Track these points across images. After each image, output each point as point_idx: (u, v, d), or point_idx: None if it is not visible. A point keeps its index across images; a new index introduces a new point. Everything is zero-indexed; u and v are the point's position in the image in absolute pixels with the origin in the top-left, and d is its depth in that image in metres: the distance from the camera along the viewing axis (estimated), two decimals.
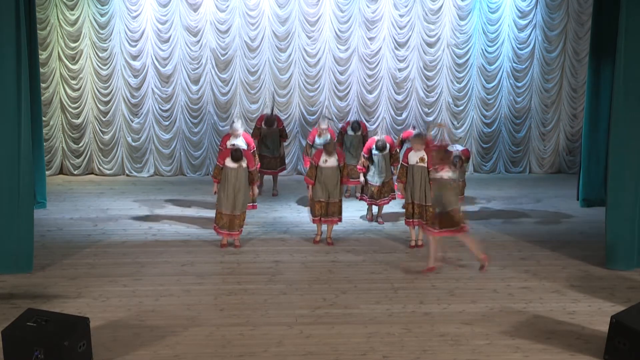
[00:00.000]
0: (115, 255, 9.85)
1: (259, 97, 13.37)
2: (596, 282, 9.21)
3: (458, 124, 13.75)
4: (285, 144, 12.69)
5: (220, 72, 13.31)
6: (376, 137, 11.09)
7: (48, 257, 9.70)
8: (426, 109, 13.68)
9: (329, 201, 10.23)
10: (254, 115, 13.19)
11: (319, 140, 11.48)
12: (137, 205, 11.93)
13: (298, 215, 11.51)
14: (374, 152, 10.84)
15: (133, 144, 13.44)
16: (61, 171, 13.53)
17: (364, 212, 11.45)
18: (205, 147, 13.46)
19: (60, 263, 9.56)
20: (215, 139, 13.29)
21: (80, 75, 13.17)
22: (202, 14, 13.04)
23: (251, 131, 12.24)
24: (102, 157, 13.50)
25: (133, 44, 13.07)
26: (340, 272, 9.45)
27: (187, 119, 13.42)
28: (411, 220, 10.18)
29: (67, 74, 13.15)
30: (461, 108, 13.71)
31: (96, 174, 13.55)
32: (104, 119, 13.35)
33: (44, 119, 12.43)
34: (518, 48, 13.50)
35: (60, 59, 13.10)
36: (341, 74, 13.48)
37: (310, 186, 10.29)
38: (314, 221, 10.36)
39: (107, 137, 13.41)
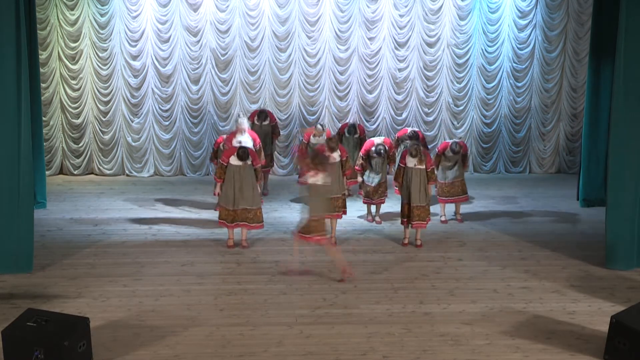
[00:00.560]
0: (115, 255, 9.84)
1: (259, 97, 13.38)
2: (596, 282, 9.21)
3: (458, 124, 13.75)
4: (277, 141, 12.62)
5: (220, 72, 13.31)
6: (375, 140, 11.10)
7: (48, 257, 9.70)
8: (426, 109, 13.69)
9: (333, 196, 10.11)
10: None
11: (314, 140, 11.46)
12: (137, 205, 11.93)
13: (298, 215, 11.49)
14: (372, 154, 10.87)
15: (133, 144, 13.44)
16: (61, 171, 13.54)
17: (364, 212, 11.45)
18: (205, 147, 13.46)
19: (60, 263, 9.56)
20: (215, 139, 13.28)
21: (80, 75, 13.18)
22: (202, 14, 13.05)
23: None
24: (102, 157, 13.51)
25: (133, 44, 13.07)
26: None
27: (187, 119, 13.43)
28: (406, 220, 10.19)
29: (67, 74, 13.16)
30: (461, 108, 13.72)
31: (96, 174, 13.56)
32: (104, 119, 13.36)
33: (44, 119, 12.44)
34: (518, 48, 13.51)
35: (60, 59, 13.10)
36: (341, 74, 13.48)
37: None
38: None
39: (107, 137, 13.41)
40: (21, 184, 8.99)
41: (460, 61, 13.51)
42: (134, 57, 13.15)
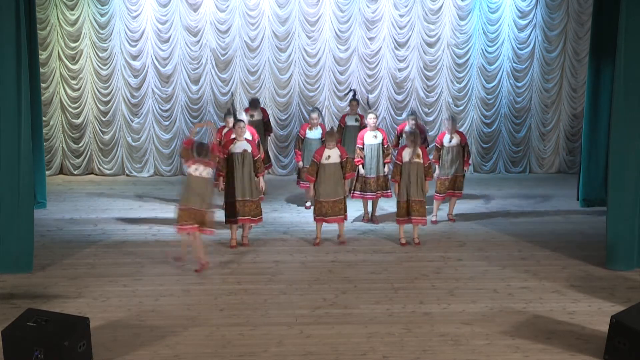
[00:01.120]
0: (115, 255, 9.84)
1: (259, 97, 13.36)
2: (596, 282, 9.21)
3: (458, 123, 13.74)
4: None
5: (220, 72, 13.31)
6: (368, 130, 10.84)
7: (48, 257, 9.70)
8: (426, 109, 13.69)
9: (335, 199, 10.11)
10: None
11: (310, 134, 11.39)
12: (137, 205, 11.93)
13: (298, 215, 11.51)
14: (367, 143, 10.74)
15: (133, 144, 13.44)
16: (61, 171, 13.55)
17: (361, 212, 11.37)
18: None
19: (60, 263, 9.56)
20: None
21: (80, 75, 13.19)
22: (202, 14, 13.06)
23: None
24: (102, 157, 13.51)
25: (133, 44, 13.08)
26: (340, 272, 9.45)
27: (187, 119, 13.43)
28: (403, 218, 10.15)
29: (67, 74, 13.16)
30: (461, 108, 13.72)
31: (96, 174, 13.56)
32: (104, 119, 13.36)
33: (44, 119, 12.44)
34: (518, 48, 13.51)
35: (60, 59, 13.11)
36: (341, 74, 13.48)
37: (311, 184, 10.23)
38: (317, 220, 10.27)
39: (107, 137, 13.42)
40: (21, 184, 8.99)
41: (460, 61, 13.51)
42: (134, 57, 13.16)
